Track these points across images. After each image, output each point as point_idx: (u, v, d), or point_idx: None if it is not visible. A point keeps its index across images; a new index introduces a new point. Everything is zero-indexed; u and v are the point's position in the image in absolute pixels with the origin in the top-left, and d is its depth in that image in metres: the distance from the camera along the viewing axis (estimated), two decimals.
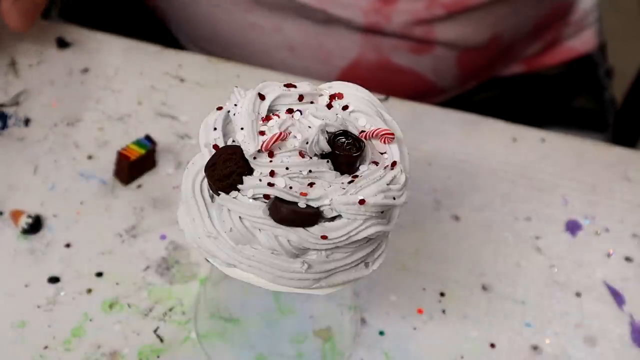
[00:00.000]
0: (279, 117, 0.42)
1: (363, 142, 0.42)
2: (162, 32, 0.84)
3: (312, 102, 0.43)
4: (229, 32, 0.74)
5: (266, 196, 0.40)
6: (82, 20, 0.75)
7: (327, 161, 0.41)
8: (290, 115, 0.42)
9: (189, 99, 0.68)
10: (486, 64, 0.79)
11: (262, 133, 0.41)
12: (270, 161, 0.40)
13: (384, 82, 0.75)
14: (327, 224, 0.40)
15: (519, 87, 0.83)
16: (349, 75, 0.74)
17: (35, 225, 0.58)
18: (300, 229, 0.40)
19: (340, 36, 0.71)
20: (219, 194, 0.40)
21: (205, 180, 0.41)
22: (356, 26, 0.70)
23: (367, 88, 0.76)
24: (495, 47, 0.76)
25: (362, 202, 0.39)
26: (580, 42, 0.85)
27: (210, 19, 0.74)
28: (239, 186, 0.40)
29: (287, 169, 0.40)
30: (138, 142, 0.62)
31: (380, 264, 0.44)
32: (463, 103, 0.81)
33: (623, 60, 1.04)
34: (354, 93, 0.44)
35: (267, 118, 0.42)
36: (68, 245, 0.58)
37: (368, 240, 0.42)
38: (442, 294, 0.59)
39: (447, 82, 0.78)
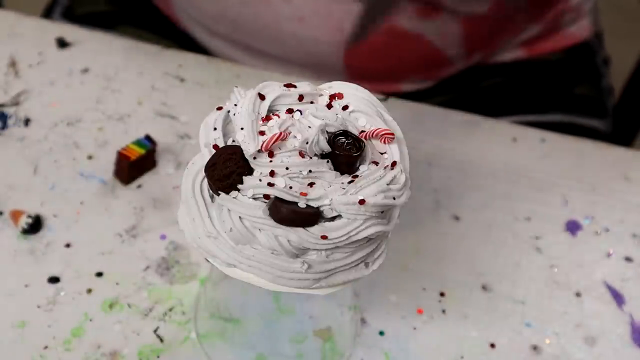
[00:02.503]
0: (279, 117, 0.42)
1: (363, 142, 0.42)
2: (169, 28, 0.84)
3: (312, 102, 0.43)
4: (238, 7, 0.75)
5: (266, 196, 0.40)
6: (86, 20, 0.75)
7: (327, 161, 0.41)
8: (290, 115, 0.42)
9: (189, 99, 0.68)
10: (488, 34, 0.79)
11: (262, 133, 0.41)
12: (270, 161, 0.40)
13: (392, 49, 0.75)
14: (327, 224, 0.40)
15: (521, 74, 0.84)
16: (358, 42, 0.74)
17: (35, 225, 0.58)
18: (300, 229, 0.40)
19: (348, 4, 0.71)
20: (219, 194, 0.40)
21: (205, 180, 0.41)
22: None
23: (376, 56, 0.76)
24: (497, 16, 0.77)
25: (362, 202, 0.39)
26: (579, 29, 0.86)
27: None
28: (239, 186, 0.40)
29: (287, 169, 0.40)
30: (138, 142, 0.62)
31: (380, 264, 0.44)
32: (470, 90, 0.81)
33: (621, 52, 1.04)
34: (354, 93, 0.44)
35: (267, 118, 0.42)
36: (68, 245, 0.58)
37: (368, 240, 0.42)
38: (442, 294, 0.59)
39: (452, 50, 0.79)
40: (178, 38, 0.82)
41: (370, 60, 0.76)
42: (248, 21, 0.76)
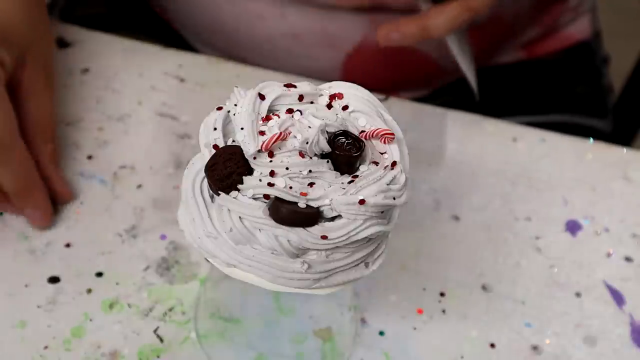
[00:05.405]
0: (279, 117, 0.42)
1: (363, 142, 0.42)
2: (167, 32, 0.84)
3: (312, 102, 0.43)
4: (234, 23, 0.75)
5: (266, 196, 0.40)
6: (83, 22, 0.75)
7: (327, 161, 0.41)
8: (290, 115, 0.42)
9: (189, 99, 0.68)
10: (487, 44, 0.79)
11: (262, 133, 0.41)
12: (270, 161, 0.40)
13: (389, 63, 0.75)
14: (327, 224, 0.40)
15: (521, 75, 0.84)
16: (355, 58, 0.74)
17: None
18: (300, 229, 0.40)
19: (344, 20, 0.71)
20: (219, 194, 0.40)
21: (205, 180, 0.41)
22: (361, 7, 0.70)
23: (373, 70, 0.76)
24: (496, 26, 0.77)
25: (362, 202, 0.39)
26: (577, 29, 0.86)
27: (215, 11, 0.75)
28: (239, 186, 0.40)
29: (287, 169, 0.40)
30: None
31: (380, 264, 0.44)
32: (469, 91, 0.82)
33: (621, 52, 1.04)
34: (354, 93, 0.44)
35: (267, 118, 0.42)
36: (68, 245, 0.58)
37: (368, 240, 0.42)
38: (442, 294, 0.59)
39: (450, 62, 0.79)
40: (178, 42, 0.83)
41: (367, 76, 0.76)
42: (243, 36, 0.76)
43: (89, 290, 0.56)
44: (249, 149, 0.40)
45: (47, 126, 0.60)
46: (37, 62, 0.59)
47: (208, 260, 0.43)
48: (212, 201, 0.42)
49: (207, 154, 0.41)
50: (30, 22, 0.58)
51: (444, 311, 0.58)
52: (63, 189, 0.60)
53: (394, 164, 0.42)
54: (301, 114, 0.42)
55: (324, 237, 0.40)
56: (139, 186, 0.62)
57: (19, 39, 0.57)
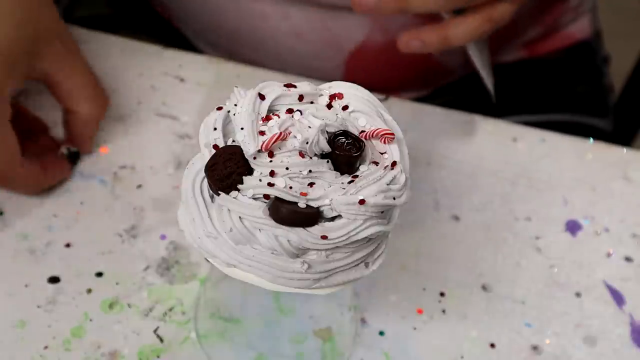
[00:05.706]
0: (279, 117, 0.42)
1: (363, 142, 0.42)
2: (168, 31, 0.84)
3: (312, 102, 0.43)
4: (236, 22, 0.75)
5: (266, 196, 0.40)
6: (84, 22, 0.75)
7: (327, 161, 0.41)
8: (290, 115, 0.42)
9: (189, 99, 0.68)
10: (489, 43, 0.79)
11: (262, 133, 0.41)
12: (270, 161, 0.40)
13: (392, 62, 0.75)
14: (327, 224, 0.40)
15: (522, 74, 0.84)
16: (357, 57, 0.75)
17: (74, 156, 0.61)
18: (300, 229, 0.40)
19: (347, 19, 0.71)
20: (219, 194, 0.40)
21: (205, 180, 0.41)
22: None
23: (375, 69, 0.76)
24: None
25: (362, 202, 0.39)
26: (578, 28, 0.86)
27: (217, 10, 0.75)
28: (239, 186, 0.40)
29: (287, 169, 0.40)
30: None
31: (380, 264, 0.44)
32: (470, 90, 0.82)
33: (621, 51, 1.05)
34: (354, 93, 0.44)
35: (267, 118, 0.42)
36: (68, 245, 0.58)
37: (368, 240, 0.42)
38: (442, 294, 0.59)
39: (453, 61, 0.79)
40: (179, 41, 0.83)
41: (370, 75, 0.76)
42: (246, 36, 0.76)
43: (89, 290, 0.56)
44: (249, 149, 0.40)
45: (83, 87, 0.61)
46: (50, 42, 0.59)
47: (208, 260, 0.43)
48: (212, 201, 0.42)
49: (207, 154, 0.41)
50: (24, 23, 0.57)
51: (444, 311, 0.58)
52: (88, 150, 0.63)
53: (394, 164, 0.42)
54: (301, 114, 0.42)
55: (324, 237, 0.40)
56: (139, 186, 0.62)
57: (17, 54, 0.56)
